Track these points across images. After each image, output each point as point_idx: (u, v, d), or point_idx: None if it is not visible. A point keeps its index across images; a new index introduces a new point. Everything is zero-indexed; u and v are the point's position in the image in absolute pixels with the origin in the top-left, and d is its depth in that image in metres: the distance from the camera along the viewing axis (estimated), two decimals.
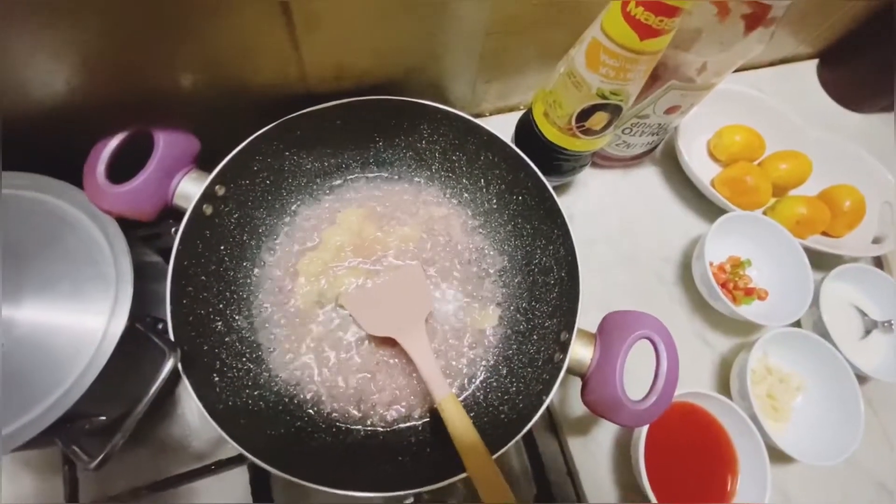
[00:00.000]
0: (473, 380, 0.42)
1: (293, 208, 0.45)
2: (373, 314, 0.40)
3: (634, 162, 0.54)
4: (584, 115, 0.38)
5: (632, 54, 0.32)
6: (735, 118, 0.56)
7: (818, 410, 0.46)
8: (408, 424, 0.40)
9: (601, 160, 0.53)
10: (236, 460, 0.40)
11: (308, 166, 0.44)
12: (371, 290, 0.42)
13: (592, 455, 0.43)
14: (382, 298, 0.41)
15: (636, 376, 0.35)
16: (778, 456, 0.42)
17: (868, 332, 0.50)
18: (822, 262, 0.50)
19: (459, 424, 0.34)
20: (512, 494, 0.31)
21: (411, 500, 0.39)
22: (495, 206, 0.46)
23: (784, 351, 0.47)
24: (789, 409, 0.46)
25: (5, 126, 0.30)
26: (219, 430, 0.30)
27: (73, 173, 0.34)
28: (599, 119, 0.38)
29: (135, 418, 0.29)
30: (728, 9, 0.35)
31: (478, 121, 0.41)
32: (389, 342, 0.40)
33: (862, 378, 0.46)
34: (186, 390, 0.43)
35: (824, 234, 0.54)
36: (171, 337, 0.33)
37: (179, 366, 0.31)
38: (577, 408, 0.44)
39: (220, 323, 0.38)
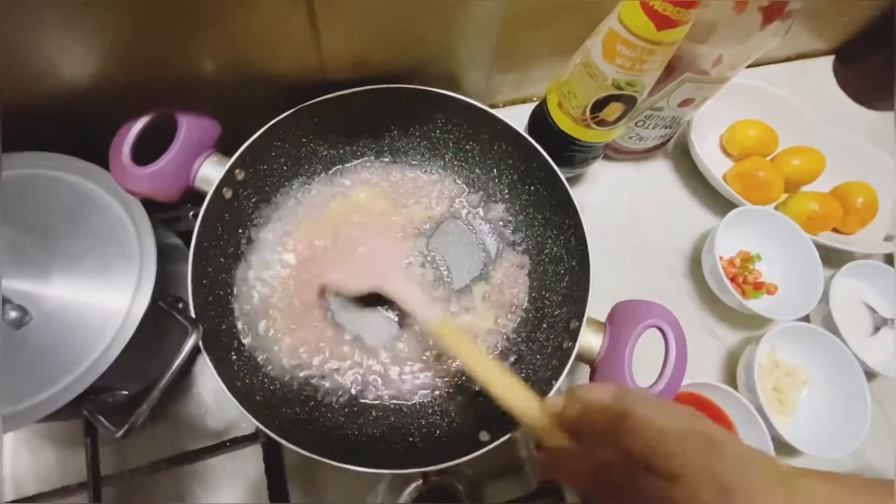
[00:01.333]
0: None
1: (308, 194, 0.45)
2: (349, 273, 0.40)
3: (646, 155, 0.54)
4: (599, 105, 0.38)
5: (648, 45, 0.33)
6: (749, 113, 0.56)
7: (825, 404, 0.46)
8: (419, 406, 0.40)
9: (613, 153, 0.54)
10: (250, 438, 0.41)
11: (324, 153, 0.45)
12: (340, 248, 0.42)
13: None
14: (354, 254, 0.41)
15: (644, 365, 0.36)
16: (783, 448, 0.43)
17: (877, 328, 0.50)
18: (832, 258, 0.50)
19: (457, 342, 0.34)
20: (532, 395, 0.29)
21: (419, 480, 0.40)
22: (507, 196, 0.47)
23: (792, 345, 0.47)
24: (796, 403, 0.46)
25: (37, 109, 0.31)
26: (238, 405, 0.32)
27: (99, 154, 0.35)
28: (614, 110, 0.38)
29: (160, 389, 0.30)
30: (745, 1, 0.35)
31: (490, 109, 0.42)
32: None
33: (870, 374, 0.46)
34: (201, 371, 0.45)
35: (835, 230, 0.54)
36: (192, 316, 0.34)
37: (200, 343, 0.32)
38: None
39: (237, 304, 0.39)
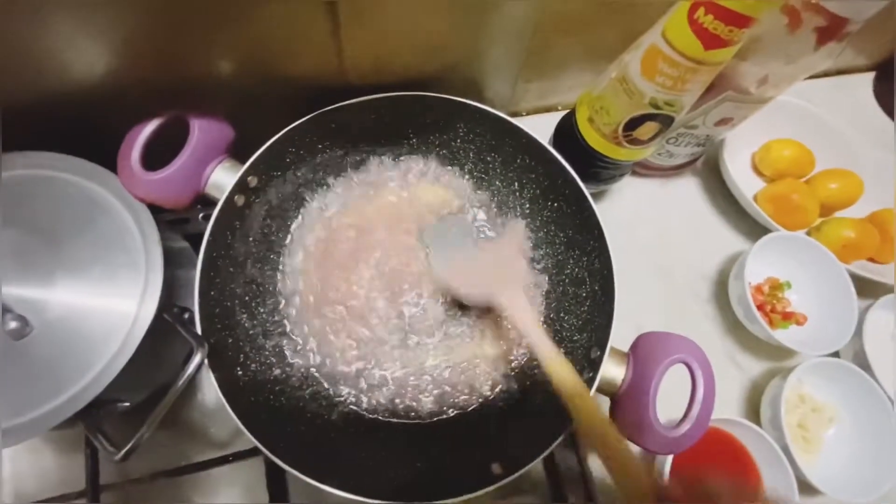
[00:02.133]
0: (495, 387, 0.41)
1: (323, 201, 0.44)
2: (467, 278, 0.38)
3: (674, 172, 0.52)
4: (633, 124, 0.36)
5: (693, 64, 0.30)
6: (783, 131, 0.54)
7: (851, 444, 0.44)
8: (428, 428, 0.39)
9: (640, 168, 0.51)
10: (253, 452, 0.40)
11: (339, 160, 0.43)
12: (462, 252, 0.40)
13: None
14: (476, 262, 0.40)
15: (665, 398, 0.34)
16: (805, 488, 0.41)
17: None
18: (866, 289, 0.48)
19: (573, 389, 0.31)
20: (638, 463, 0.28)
21: None
22: (528, 211, 0.45)
23: (820, 380, 0.45)
24: (820, 441, 0.44)
25: (45, 107, 0.30)
26: (243, 428, 0.30)
27: (108, 156, 0.33)
28: (649, 129, 0.36)
29: (160, 411, 0.28)
30: (801, 20, 0.32)
31: (514, 121, 0.40)
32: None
33: None
34: (206, 376, 0.43)
35: (871, 259, 0.51)
36: (198, 329, 0.32)
37: (206, 361, 0.30)
38: None
39: (245, 316, 0.38)
